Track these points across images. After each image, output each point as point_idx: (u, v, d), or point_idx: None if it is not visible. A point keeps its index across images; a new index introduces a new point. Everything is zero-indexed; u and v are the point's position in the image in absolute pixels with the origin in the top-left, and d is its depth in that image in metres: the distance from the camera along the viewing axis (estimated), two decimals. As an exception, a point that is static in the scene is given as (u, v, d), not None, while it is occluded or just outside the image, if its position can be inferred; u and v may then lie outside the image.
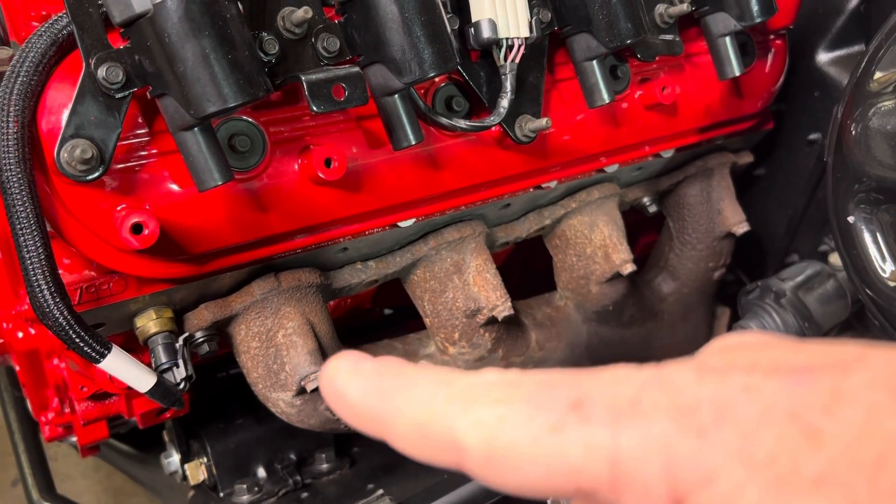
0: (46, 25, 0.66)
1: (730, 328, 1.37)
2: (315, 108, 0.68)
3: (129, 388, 0.77)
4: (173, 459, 1.22)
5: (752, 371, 0.26)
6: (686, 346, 1.31)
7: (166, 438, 1.25)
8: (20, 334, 1.08)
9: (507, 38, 0.81)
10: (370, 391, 0.31)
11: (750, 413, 0.25)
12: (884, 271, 0.88)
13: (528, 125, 0.87)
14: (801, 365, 0.26)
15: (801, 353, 0.27)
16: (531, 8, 0.84)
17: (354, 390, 0.31)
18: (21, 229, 0.64)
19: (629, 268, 1.05)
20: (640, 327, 1.24)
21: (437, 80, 0.85)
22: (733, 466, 0.24)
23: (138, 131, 0.70)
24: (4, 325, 1.10)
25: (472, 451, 0.28)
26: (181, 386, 0.79)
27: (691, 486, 0.25)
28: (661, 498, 0.25)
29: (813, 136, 1.22)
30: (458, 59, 0.75)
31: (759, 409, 0.25)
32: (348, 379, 0.32)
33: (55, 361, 1.08)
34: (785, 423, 0.24)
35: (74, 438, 1.15)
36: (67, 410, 1.13)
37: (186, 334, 0.82)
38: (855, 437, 0.24)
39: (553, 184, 0.99)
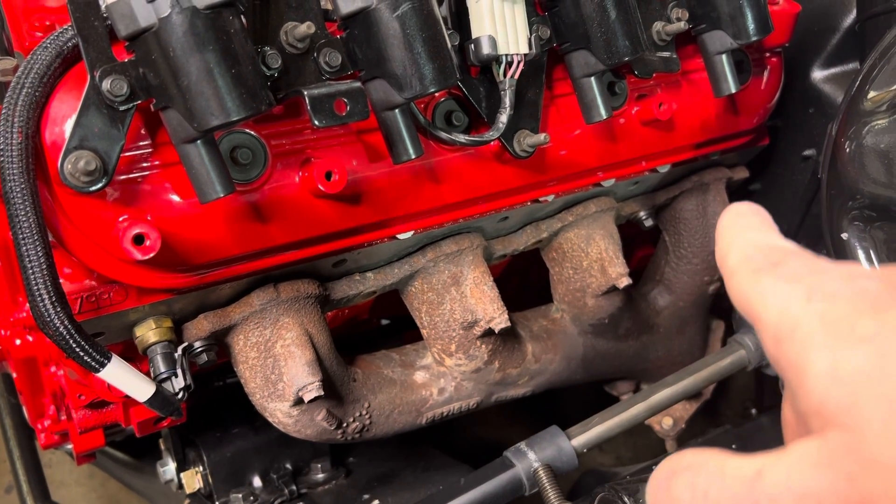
0: (52, 37, 0.67)
1: (724, 342, 1.38)
2: (317, 123, 0.69)
3: (127, 397, 0.77)
4: (169, 468, 1.22)
5: (872, 276, 0.33)
6: (681, 358, 1.32)
7: (162, 447, 1.25)
8: (18, 341, 1.08)
9: (506, 55, 0.82)
10: (723, 226, 0.42)
11: (848, 292, 0.32)
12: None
13: (527, 140, 0.88)
14: None
15: None
16: (530, 25, 0.85)
17: (723, 222, 0.42)
18: (23, 238, 0.65)
19: (625, 281, 1.05)
20: (636, 340, 1.24)
21: (437, 94, 0.86)
22: (812, 321, 0.32)
23: (141, 143, 0.71)
24: (2, 332, 1.11)
25: (727, 268, 0.39)
26: (179, 395, 0.80)
27: (785, 332, 0.33)
28: (771, 337, 0.34)
29: (807, 153, 1.23)
30: (458, 75, 0.76)
31: (855, 291, 0.32)
32: (727, 213, 0.43)
33: (53, 369, 1.09)
34: (866, 302, 0.31)
35: (70, 446, 1.15)
36: (64, 418, 1.13)
37: (185, 344, 0.83)
38: None
39: (550, 197, 1.00)
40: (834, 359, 0.30)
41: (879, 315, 0.30)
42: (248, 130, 0.76)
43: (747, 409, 1.48)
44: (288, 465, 1.20)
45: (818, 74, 1.20)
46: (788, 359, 0.33)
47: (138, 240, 0.68)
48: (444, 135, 0.84)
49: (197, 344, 0.84)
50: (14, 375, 1.15)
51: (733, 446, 1.15)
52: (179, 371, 0.80)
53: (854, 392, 0.29)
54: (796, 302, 0.33)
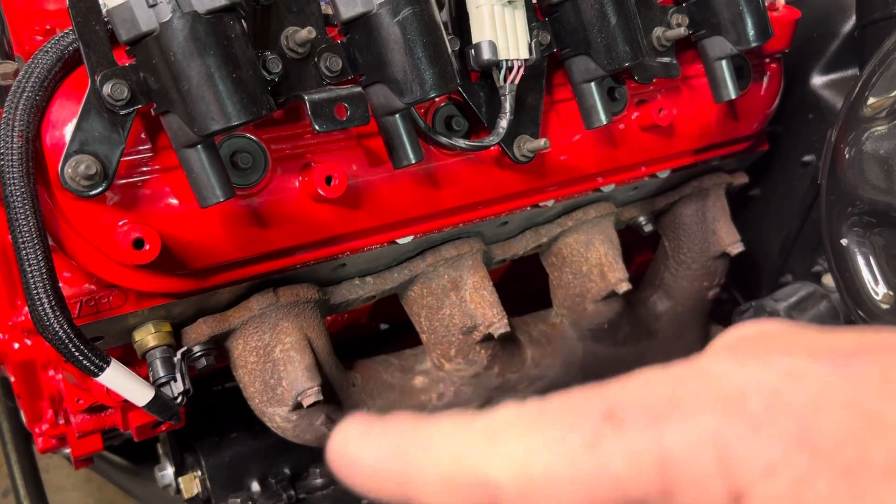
0: (53, 41, 0.67)
1: (724, 347, 1.38)
2: (317, 128, 0.69)
3: (126, 402, 0.77)
4: (167, 472, 1.22)
5: (793, 355, 0.25)
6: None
7: (160, 451, 1.25)
8: (16, 345, 1.08)
9: (506, 60, 0.82)
10: (387, 453, 0.28)
11: (802, 399, 0.23)
12: (876, 294, 0.89)
13: (527, 145, 0.88)
14: (842, 349, 0.25)
15: (834, 337, 0.26)
16: (531, 30, 0.85)
17: (370, 455, 0.28)
18: (23, 242, 0.65)
19: (624, 286, 1.05)
20: (635, 345, 1.24)
21: (437, 99, 0.86)
22: (797, 457, 0.23)
23: (141, 147, 0.71)
24: (1, 335, 1.10)
25: (507, 488, 0.26)
26: (178, 400, 0.79)
27: (751, 479, 0.23)
28: (720, 495, 0.24)
29: (807, 158, 1.23)
30: (458, 80, 0.76)
31: (811, 395, 0.24)
32: (360, 445, 0.29)
33: (51, 373, 1.08)
34: (842, 409, 0.23)
35: (68, 450, 1.15)
36: (62, 422, 1.13)
37: (184, 348, 0.82)
38: None
39: (550, 202, 1.00)
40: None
41: (886, 432, 0.23)
42: (248, 135, 0.76)
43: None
44: (286, 470, 1.20)
45: (818, 80, 1.20)
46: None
47: (138, 244, 0.68)
48: (444, 140, 0.84)
49: (196, 348, 0.84)
50: (12, 379, 1.14)
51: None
52: (178, 375, 0.80)
53: None
54: (735, 435, 0.24)
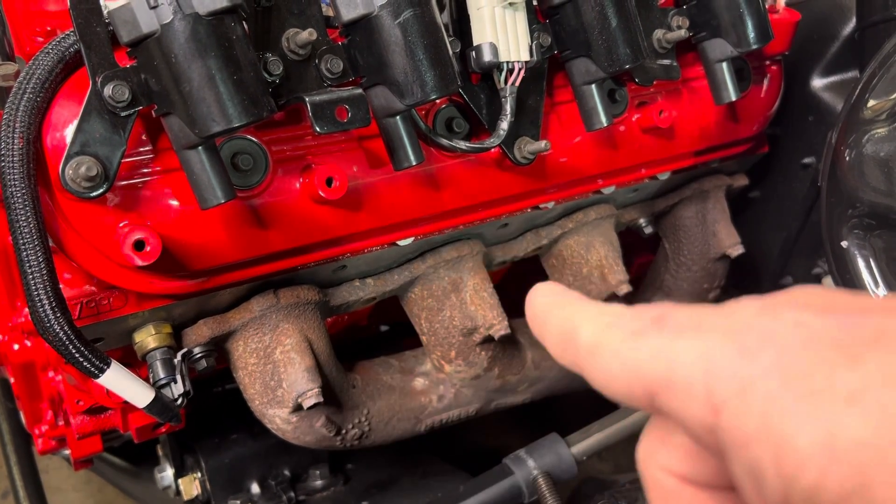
0: (54, 43, 0.67)
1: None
2: (318, 129, 0.69)
3: (126, 403, 0.77)
4: (167, 474, 1.22)
5: (806, 309, 0.28)
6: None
7: (160, 453, 1.25)
8: (16, 346, 1.08)
9: (507, 62, 0.82)
10: (545, 305, 0.37)
11: (794, 340, 0.26)
12: (877, 296, 0.89)
13: (528, 147, 0.88)
14: (854, 308, 0.28)
15: (858, 301, 0.29)
16: (531, 32, 0.85)
17: (539, 302, 0.38)
18: (24, 244, 0.65)
19: (625, 288, 1.05)
20: (635, 347, 1.24)
21: (438, 101, 0.86)
22: (769, 379, 0.26)
23: (142, 149, 0.71)
24: (1, 337, 1.10)
25: (582, 344, 0.33)
26: (179, 401, 0.79)
27: (727, 395, 0.26)
28: (700, 404, 0.27)
29: (807, 160, 1.24)
30: (459, 82, 0.76)
31: (804, 338, 0.26)
32: (539, 294, 0.38)
33: (51, 374, 1.08)
34: (827, 348, 0.26)
35: (67, 451, 1.15)
36: (61, 423, 1.13)
37: (185, 350, 0.82)
38: (893, 363, 0.24)
39: (551, 204, 1.00)
40: (827, 428, 0.24)
41: (857, 365, 0.24)
42: (249, 136, 0.76)
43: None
44: (286, 472, 1.20)
45: (818, 82, 1.20)
46: (743, 430, 0.26)
47: (139, 245, 0.68)
48: (444, 141, 0.84)
49: (196, 350, 0.84)
50: (12, 380, 1.14)
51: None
52: (179, 377, 0.80)
53: (861, 471, 0.23)
54: (724, 356, 0.27)
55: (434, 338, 1.00)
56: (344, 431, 0.95)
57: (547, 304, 0.37)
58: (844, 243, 0.91)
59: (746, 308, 0.29)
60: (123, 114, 0.65)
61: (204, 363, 0.84)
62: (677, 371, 0.28)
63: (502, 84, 0.84)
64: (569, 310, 0.35)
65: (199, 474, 1.18)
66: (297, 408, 0.87)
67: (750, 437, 0.26)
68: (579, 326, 0.34)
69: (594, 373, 0.32)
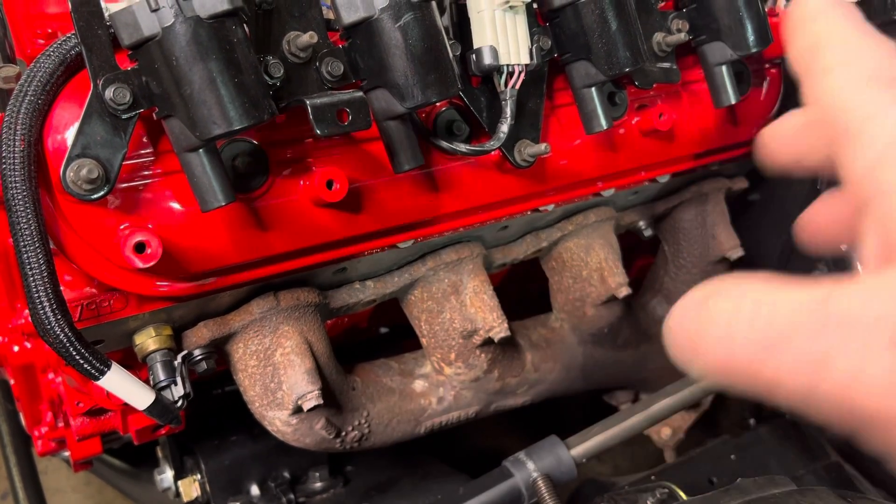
0: (55, 45, 0.67)
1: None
2: (319, 132, 0.69)
3: (126, 405, 0.77)
4: (167, 476, 1.22)
5: None
6: (679, 368, 1.32)
7: (160, 454, 1.25)
8: (16, 348, 1.08)
9: (507, 65, 0.82)
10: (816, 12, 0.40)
11: None
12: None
13: (527, 150, 0.88)
14: None
15: None
16: (532, 35, 0.85)
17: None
18: (24, 246, 0.65)
19: (624, 291, 1.06)
20: (635, 350, 1.25)
21: (438, 104, 0.86)
22: None
23: (143, 151, 0.71)
24: (1, 338, 1.10)
25: (823, 63, 0.36)
26: (179, 403, 0.79)
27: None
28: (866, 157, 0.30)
29: (807, 163, 1.24)
30: (459, 86, 0.76)
31: None
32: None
33: (51, 376, 1.08)
34: None
35: (67, 453, 1.15)
36: (61, 425, 1.13)
37: (185, 352, 0.83)
38: None
39: (550, 207, 1.00)
40: None
41: None
42: (250, 139, 0.76)
43: (746, 420, 1.48)
44: (286, 474, 1.20)
45: (817, 86, 1.20)
46: (891, 182, 0.29)
47: (139, 248, 0.68)
48: (445, 144, 0.84)
49: (196, 352, 0.84)
50: (11, 382, 1.14)
51: (732, 457, 1.15)
52: (179, 379, 0.80)
53: None
54: None
55: (434, 340, 1.00)
56: (344, 433, 0.95)
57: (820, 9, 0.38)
58: (844, 246, 0.91)
59: None
60: (124, 116, 0.65)
61: (204, 365, 0.84)
62: (877, 125, 0.30)
63: (502, 87, 0.84)
64: (836, 32, 0.36)
65: (199, 476, 1.18)
66: (297, 410, 0.87)
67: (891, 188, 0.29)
68: (840, 54, 0.35)
69: (815, 86, 0.34)
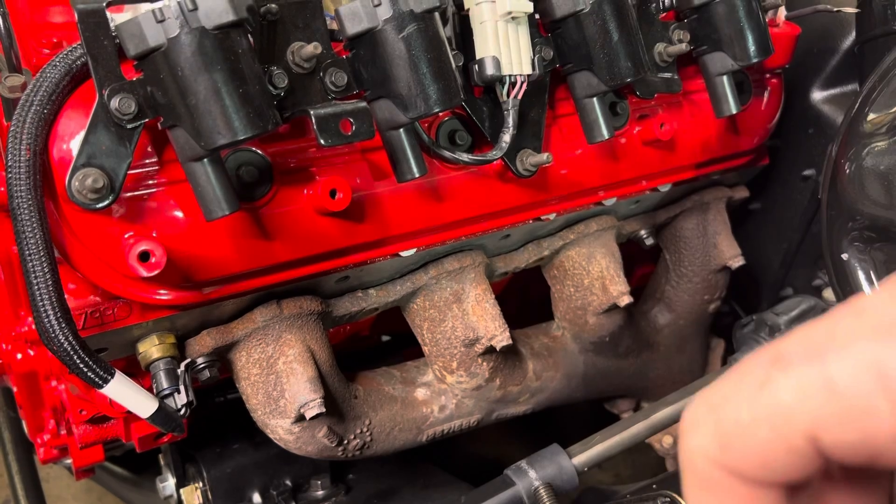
0: (61, 56, 0.67)
1: (724, 361, 1.38)
2: (323, 142, 0.69)
3: (129, 413, 0.77)
4: (169, 483, 1.22)
5: None
6: (681, 377, 1.32)
7: (162, 462, 1.25)
8: (19, 356, 1.08)
9: (510, 75, 0.83)
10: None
11: None
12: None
13: (529, 159, 0.89)
14: None
15: None
16: (534, 46, 0.86)
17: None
18: (30, 255, 0.65)
19: (626, 299, 1.06)
20: (636, 358, 1.25)
21: (441, 114, 0.87)
22: None
23: (147, 160, 0.72)
24: (4, 346, 1.11)
25: (709, 445, 0.29)
26: (182, 411, 0.80)
27: None
28: (887, 414, 0.24)
29: (807, 172, 1.24)
30: (462, 96, 0.76)
31: None
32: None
33: (53, 383, 1.09)
34: None
35: (69, 461, 1.15)
36: (64, 432, 1.13)
37: (188, 360, 0.83)
38: None
39: (552, 216, 1.00)
40: None
41: None
42: (254, 149, 0.76)
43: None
44: (288, 482, 1.20)
45: (818, 95, 1.21)
46: None
47: (144, 257, 0.69)
48: (447, 154, 0.84)
49: (200, 360, 0.84)
50: (14, 389, 1.14)
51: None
52: (182, 387, 0.80)
53: None
54: (892, 355, 0.26)
55: (436, 348, 1.00)
56: (346, 442, 0.95)
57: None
58: (845, 255, 0.92)
59: (873, 301, 0.27)
60: (130, 126, 0.66)
61: (207, 373, 0.84)
62: (846, 390, 0.25)
63: (505, 97, 0.85)
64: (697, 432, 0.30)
65: (201, 484, 1.18)
66: (300, 418, 0.87)
67: None
68: (696, 428, 0.29)
69: (740, 459, 0.28)
